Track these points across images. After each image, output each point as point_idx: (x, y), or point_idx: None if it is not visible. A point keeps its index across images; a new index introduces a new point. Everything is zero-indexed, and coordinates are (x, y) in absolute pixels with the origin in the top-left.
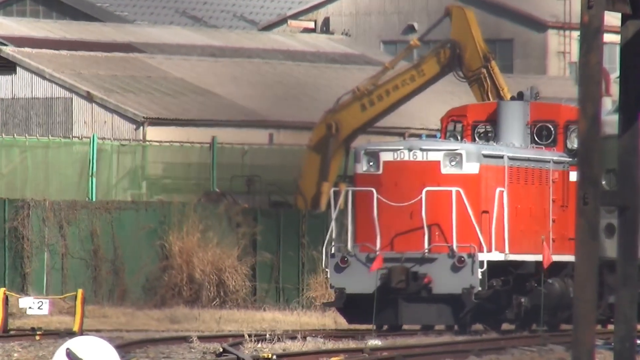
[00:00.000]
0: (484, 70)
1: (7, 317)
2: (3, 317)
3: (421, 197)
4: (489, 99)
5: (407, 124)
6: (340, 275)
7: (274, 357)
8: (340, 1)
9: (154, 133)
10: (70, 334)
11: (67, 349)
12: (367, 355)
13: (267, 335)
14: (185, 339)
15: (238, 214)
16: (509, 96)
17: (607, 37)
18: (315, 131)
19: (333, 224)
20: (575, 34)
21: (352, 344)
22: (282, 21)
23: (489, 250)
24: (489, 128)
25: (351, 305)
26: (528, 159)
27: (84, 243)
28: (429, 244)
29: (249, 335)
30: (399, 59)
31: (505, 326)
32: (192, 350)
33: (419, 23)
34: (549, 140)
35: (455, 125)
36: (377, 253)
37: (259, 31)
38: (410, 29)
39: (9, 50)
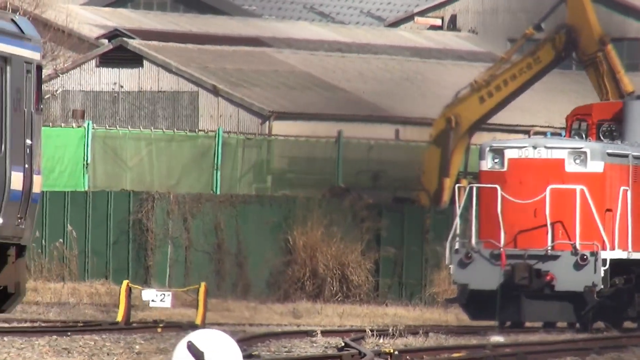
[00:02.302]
0: (600, 54)
1: (129, 309)
2: (126, 309)
3: (545, 195)
4: (604, 83)
5: (532, 122)
6: (463, 271)
7: (396, 352)
8: None
9: (279, 127)
10: (192, 327)
11: (189, 342)
12: (489, 351)
13: (389, 331)
14: (307, 333)
15: (362, 209)
16: (625, 80)
17: None
18: (435, 125)
19: (457, 220)
20: None
21: (474, 341)
22: (409, 18)
23: (612, 249)
24: (614, 127)
25: (474, 302)
26: None
27: (207, 236)
28: (552, 241)
29: (371, 330)
30: (514, 50)
31: (626, 324)
32: (314, 344)
33: (546, 21)
34: None
35: (580, 123)
36: (501, 250)
37: (386, 27)
38: (537, 27)
39: (136, 44)
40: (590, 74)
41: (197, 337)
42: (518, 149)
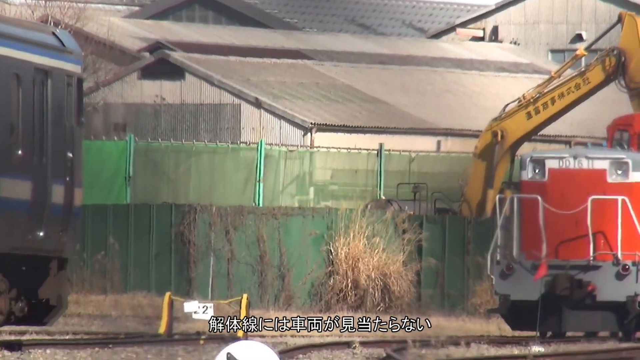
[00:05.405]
0: None
1: (172, 322)
2: (168, 322)
3: (587, 205)
4: None
5: (574, 133)
6: (505, 282)
7: None
8: (509, 10)
9: (321, 139)
10: (234, 339)
11: (228, 353)
12: None
13: (432, 341)
14: (348, 344)
15: (404, 220)
16: None
17: None
18: (481, 139)
19: (498, 231)
20: None
21: (515, 351)
22: (451, 29)
23: None
24: None
25: (515, 312)
26: None
27: (250, 248)
28: (594, 251)
29: (413, 341)
30: (565, 68)
31: None
32: (355, 355)
33: (587, 32)
34: None
35: (621, 134)
36: (542, 260)
37: (428, 39)
38: (578, 38)
39: (178, 56)
40: (635, 104)
41: (237, 348)
42: (559, 159)
